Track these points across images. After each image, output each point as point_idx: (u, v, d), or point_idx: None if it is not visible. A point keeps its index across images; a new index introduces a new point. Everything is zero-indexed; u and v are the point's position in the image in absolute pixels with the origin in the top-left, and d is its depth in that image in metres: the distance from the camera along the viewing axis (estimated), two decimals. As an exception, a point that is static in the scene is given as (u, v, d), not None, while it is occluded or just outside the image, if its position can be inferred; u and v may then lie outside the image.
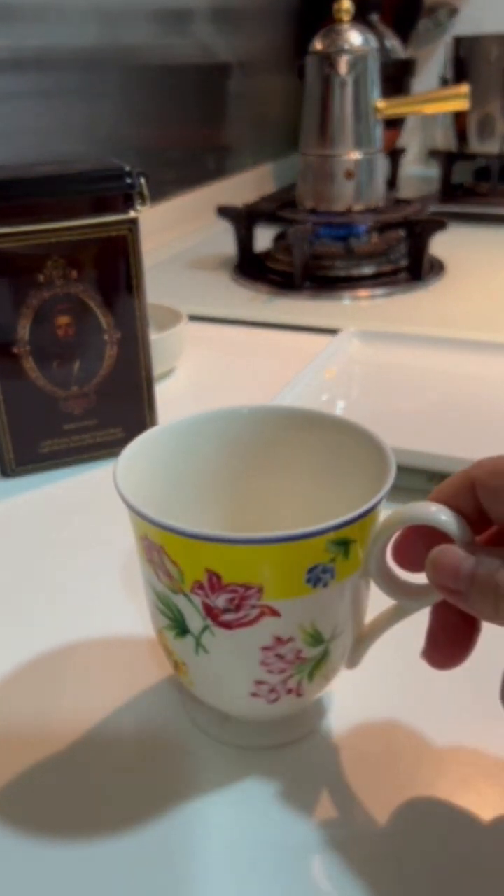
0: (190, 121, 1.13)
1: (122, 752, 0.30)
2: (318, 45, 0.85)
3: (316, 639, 0.27)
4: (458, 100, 0.86)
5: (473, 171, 1.27)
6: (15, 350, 0.46)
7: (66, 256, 0.46)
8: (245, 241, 0.91)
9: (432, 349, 0.62)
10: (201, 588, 0.25)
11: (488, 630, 0.36)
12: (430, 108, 0.91)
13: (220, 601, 0.25)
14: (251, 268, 0.90)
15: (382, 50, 1.14)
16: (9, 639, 0.36)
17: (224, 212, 0.91)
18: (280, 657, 0.26)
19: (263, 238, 0.96)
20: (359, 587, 0.27)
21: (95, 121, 0.92)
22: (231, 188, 1.22)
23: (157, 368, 0.59)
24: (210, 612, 0.26)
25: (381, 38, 1.24)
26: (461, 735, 0.31)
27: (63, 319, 0.47)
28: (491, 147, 1.22)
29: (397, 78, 1.24)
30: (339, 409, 0.55)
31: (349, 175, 0.87)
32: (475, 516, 0.25)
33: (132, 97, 0.98)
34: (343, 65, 0.84)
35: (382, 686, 0.33)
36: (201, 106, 1.15)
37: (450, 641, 0.27)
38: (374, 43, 0.85)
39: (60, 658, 0.35)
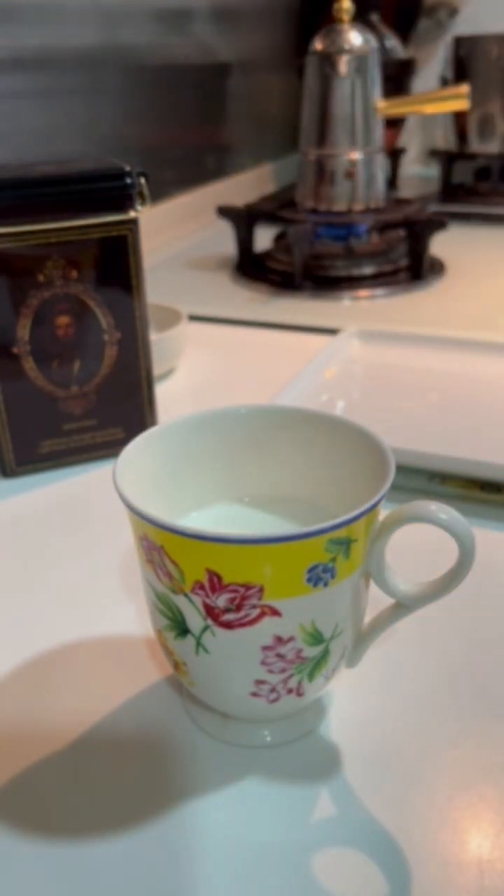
0: (190, 121, 1.13)
1: (122, 752, 0.30)
2: (318, 45, 0.85)
3: (316, 638, 0.27)
4: (458, 100, 0.86)
5: (473, 171, 1.27)
6: (15, 350, 0.46)
7: (66, 256, 0.46)
8: (245, 241, 0.91)
9: (432, 349, 0.62)
10: (202, 588, 0.25)
11: (488, 631, 0.36)
12: (430, 108, 0.91)
13: (221, 601, 0.25)
14: (251, 268, 0.90)
15: (382, 50, 1.14)
16: (8, 638, 0.36)
17: (224, 212, 0.91)
18: (280, 657, 0.26)
19: (263, 238, 0.96)
20: (359, 586, 0.27)
21: (95, 121, 0.92)
22: (231, 188, 1.22)
23: (157, 368, 0.59)
24: (210, 612, 0.26)
25: (381, 38, 1.24)
26: (461, 735, 0.31)
27: (63, 319, 0.47)
28: (491, 147, 1.22)
29: (397, 78, 1.24)
30: (339, 409, 0.55)
31: (349, 175, 0.87)
32: None
33: (132, 97, 0.98)
34: (343, 65, 0.84)
35: (382, 686, 0.33)
36: (201, 106, 1.15)
37: None
38: (374, 43, 0.85)
39: (60, 658, 0.35)
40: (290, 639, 0.26)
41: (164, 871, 0.26)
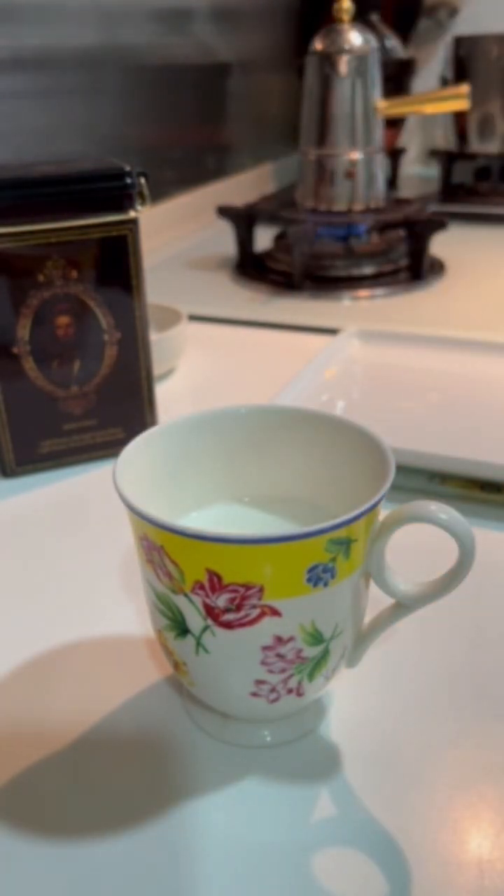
0: (190, 121, 1.13)
1: (122, 752, 0.30)
2: (318, 45, 0.85)
3: (316, 638, 0.27)
4: (458, 100, 0.86)
5: (473, 171, 1.27)
6: (15, 350, 0.46)
7: (66, 256, 0.46)
8: (245, 241, 0.91)
9: (432, 349, 0.62)
10: (202, 588, 0.25)
11: (488, 631, 0.36)
12: (430, 108, 0.91)
13: (221, 601, 0.25)
14: (251, 268, 0.90)
15: (382, 50, 1.14)
16: (8, 638, 0.36)
17: (224, 212, 0.91)
18: (280, 657, 0.26)
19: (263, 238, 0.96)
20: (359, 587, 0.27)
21: (95, 121, 0.92)
22: (231, 188, 1.22)
23: (157, 368, 0.59)
24: (210, 612, 0.26)
25: (381, 38, 1.24)
26: (461, 735, 0.31)
27: (63, 319, 0.47)
28: (491, 147, 1.22)
29: (397, 78, 1.24)
30: (339, 409, 0.55)
31: (349, 175, 0.87)
32: None
33: (132, 97, 0.98)
34: (343, 65, 0.84)
35: (382, 686, 0.33)
36: (201, 106, 1.15)
37: None
38: (374, 43, 0.85)
39: (60, 658, 0.35)
40: (290, 639, 0.26)
41: (164, 871, 0.26)
